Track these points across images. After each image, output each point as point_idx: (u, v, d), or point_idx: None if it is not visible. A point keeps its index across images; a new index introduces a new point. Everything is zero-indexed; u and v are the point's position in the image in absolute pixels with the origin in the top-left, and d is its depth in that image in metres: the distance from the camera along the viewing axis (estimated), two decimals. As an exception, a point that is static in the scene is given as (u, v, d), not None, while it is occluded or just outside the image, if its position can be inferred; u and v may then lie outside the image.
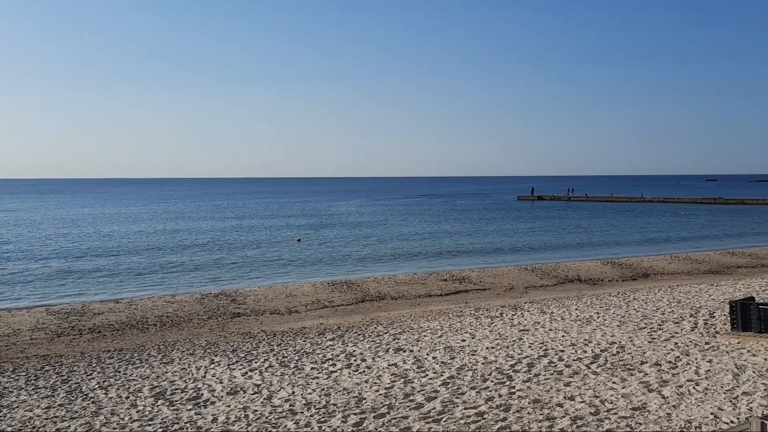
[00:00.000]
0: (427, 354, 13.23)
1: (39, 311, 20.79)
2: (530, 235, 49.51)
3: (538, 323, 16.33)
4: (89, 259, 36.28)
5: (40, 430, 9.41)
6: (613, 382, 10.69)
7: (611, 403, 9.63)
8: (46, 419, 9.89)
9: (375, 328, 16.63)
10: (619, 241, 45.79)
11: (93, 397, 10.98)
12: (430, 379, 11.33)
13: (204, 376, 12.10)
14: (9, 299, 24.48)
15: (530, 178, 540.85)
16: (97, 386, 11.69)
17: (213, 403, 10.42)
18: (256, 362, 13.09)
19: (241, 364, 12.95)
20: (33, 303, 23.50)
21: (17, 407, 10.56)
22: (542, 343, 13.90)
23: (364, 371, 12.03)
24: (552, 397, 10.00)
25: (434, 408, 9.67)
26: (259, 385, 11.38)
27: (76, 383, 11.96)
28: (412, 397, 10.26)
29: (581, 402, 9.69)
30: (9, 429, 9.49)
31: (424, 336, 15.16)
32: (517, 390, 10.41)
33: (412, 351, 13.57)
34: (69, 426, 9.52)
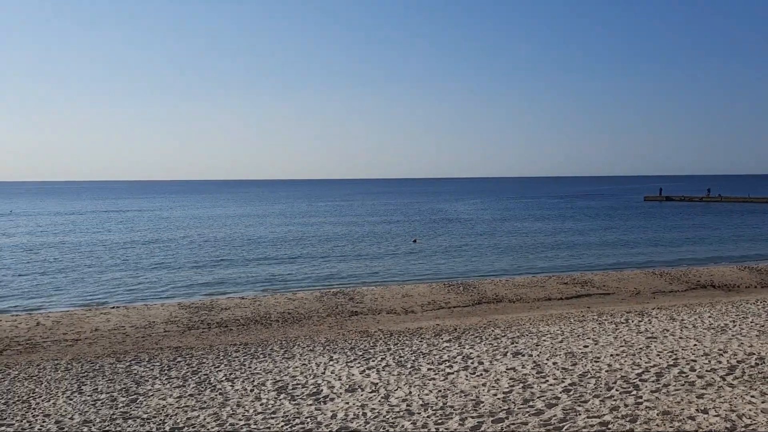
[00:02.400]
0: (547, 359, 12.85)
1: (172, 305, 22.06)
2: (658, 238, 47.17)
3: (667, 330, 15.47)
4: (219, 256, 38.11)
5: (172, 418, 9.93)
6: (752, 396, 9.92)
7: (749, 418, 8.93)
8: (178, 408, 10.43)
9: (492, 330, 16.37)
10: (757, 245, 42.70)
11: (220, 389, 11.47)
12: (551, 385, 10.98)
13: (323, 373, 12.36)
14: (147, 293, 26.13)
15: (655, 177, 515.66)
16: (224, 378, 12.21)
17: (332, 399, 10.60)
18: (373, 361, 13.22)
19: (359, 362, 13.11)
20: (167, 297, 24.98)
21: (152, 395, 11.22)
22: (672, 351, 13.14)
23: (481, 374, 11.85)
24: (683, 409, 9.42)
25: (555, 415, 9.36)
26: (377, 383, 11.47)
27: (205, 375, 12.55)
28: (531, 403, 9.99)
29: (715, 416, 9.06)
30: (144, 416, 10.09)
31: (544, 340, 14.74)
32: (645, 400, 9.88)
33: (531, 355, 13.23)
34: (198, 415, 10.00)
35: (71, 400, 11.10)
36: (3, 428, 9.73)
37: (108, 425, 9.68)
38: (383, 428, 9.10)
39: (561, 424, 8.96)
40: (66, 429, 9.59)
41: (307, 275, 30.79)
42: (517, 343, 14.56)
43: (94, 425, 9.71)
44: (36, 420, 10.08)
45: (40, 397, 11.37)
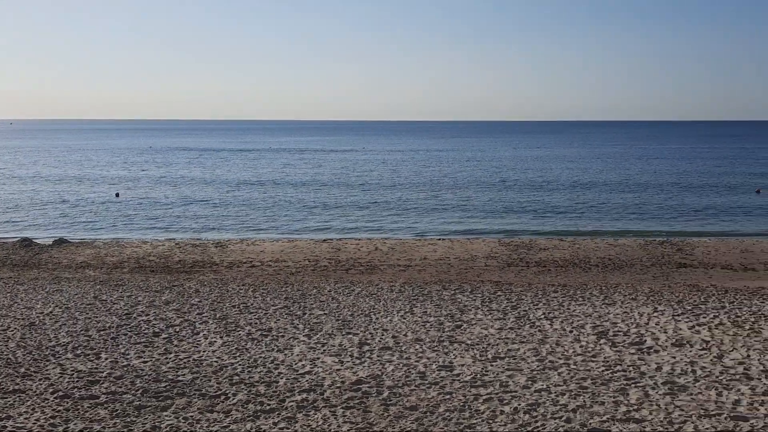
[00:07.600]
0: None
1: (492, 241, 22.89)
2: None
3: None
4: (539, 197, 38.33)
5: (494, 347, 10.40)
6: None
7: None
8: (499, 339, 10.88)
9: None
10: None
11: (539, 326, 11.65)
12: None
13: (647, 323, 11.80)
14: (469, 226, 27.50)
15: None
16: (542, 316, 12.37)
17: (657, 351, 10.11)
18: (704, 317, 12.22)
19: (688, 317, 12.23)
20: (488, 232, 26.00)
21: (475, 324, 11.84)
22: None
23: (841, 347, 10.25)
24: None
25: None
26: (708, 341, 10.61)
27: (524, 311, 12.84)
28: None
29: None
30: (468, 342, 10.73)
31: None
32: None
33: None
34: (518, 348, 10.31)
35: (404, 319, 12.25)
36: (350, 336, 11.14)
37: (436, 346, 10.51)
38: (715, 388, 8.44)
39: None
40: (401, 344, 10.65)
41: (630, 221, 29.54)
42: None
43: (424, 344, 10.63)
44: (376, 332, 11.35)
45: (379, 313, 12.74)
